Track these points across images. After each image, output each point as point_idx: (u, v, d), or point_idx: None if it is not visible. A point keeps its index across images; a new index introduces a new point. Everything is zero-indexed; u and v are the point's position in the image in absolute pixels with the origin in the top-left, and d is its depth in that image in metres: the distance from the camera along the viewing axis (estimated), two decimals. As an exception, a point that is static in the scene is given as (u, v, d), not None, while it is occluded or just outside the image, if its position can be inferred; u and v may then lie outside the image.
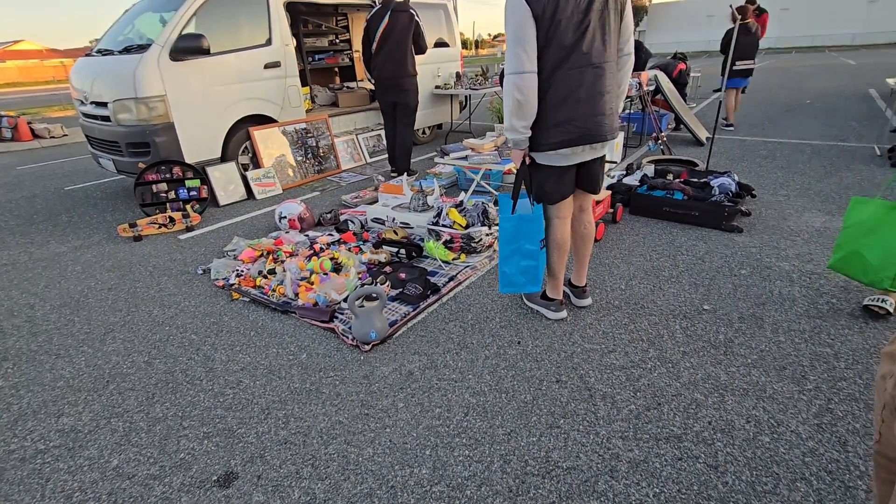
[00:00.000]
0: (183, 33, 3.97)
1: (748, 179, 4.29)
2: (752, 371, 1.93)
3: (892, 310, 2.18)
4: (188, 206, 4.01)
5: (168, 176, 4.07)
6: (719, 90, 9.95)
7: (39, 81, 37.82)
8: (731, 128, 6.73)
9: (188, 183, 4.12)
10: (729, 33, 6.81)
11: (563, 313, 2.36)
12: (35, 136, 9.20)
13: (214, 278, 2.95)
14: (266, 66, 4.63)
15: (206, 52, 4.01)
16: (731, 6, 6.91)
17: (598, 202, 3.29)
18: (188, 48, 3.92)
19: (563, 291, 2.43)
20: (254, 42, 4.53)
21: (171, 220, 3.81)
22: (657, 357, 2.05)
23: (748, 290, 2.52)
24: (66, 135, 9.44)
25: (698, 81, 9.50)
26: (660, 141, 5.40)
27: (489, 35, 78.85)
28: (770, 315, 2.29)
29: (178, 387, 2.02)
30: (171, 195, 4.04)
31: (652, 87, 5.92)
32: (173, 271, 3.13)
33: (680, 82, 6.61)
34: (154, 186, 4.01)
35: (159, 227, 3.78)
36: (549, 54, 1.85)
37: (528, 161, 2.08)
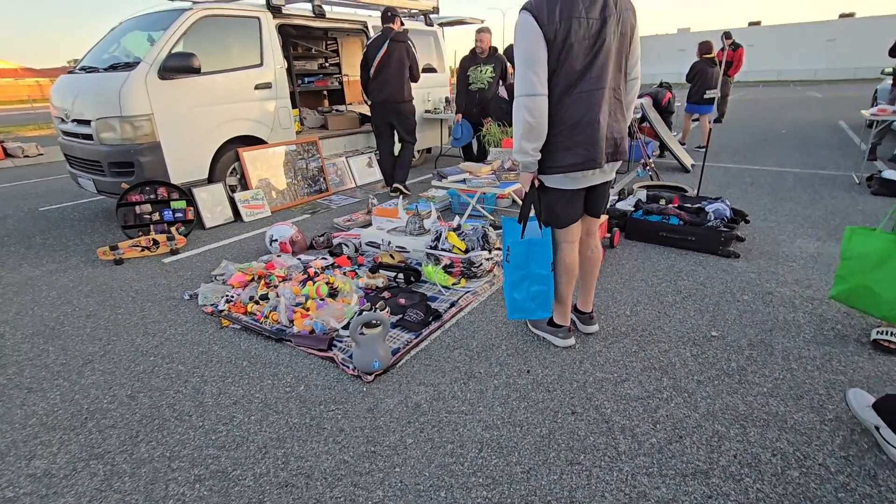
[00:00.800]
0: (173, 52, 3.89)
1: (738, 205, 4.37)
2: (770, 400, 1.88)
3: None
4: (173, 229, 3.85)
5: (153, 197, 3.92)
6: (696, 119, 10.32)
7: (14, 101, 36.92)
8: (703, 148, 7.02)
9: (174, 204, 3.98)
10: (695, 66, 7.11)
11: (572, 340, 2.29)
12: (7, 155, 8.88)
13: (202, 304, 2.80)
14: (257, 87, 4.57)
15: (197, 72, 3.93)
16: (703, 42, 7.24)
17: (596, 226, 3.27)
18: (178, 67, 3.84)
19: (570, 318, 2.37)
20: (245, 63, 4.48)
21: (155, 242, 3.65)
22: (672, 386, 1.99)
23: (753, 316, 2.50)
24: (42, 154, 9.14)
25: (678, 111, 9.80)
26: (648, 167, 5.49)
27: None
28: (779, 342, 2.27)
29: (165, 423, 1.86)
30: (156, 217, 3.88)
31: (638, 115, 6.07)
32: (158, 297, 2.96)
33: (667, 111, 6.81)
34: (137, 207, 3.85)
35: (142, 250, 3.61)
36: (560, 77, 1.83)
37: (536, 184, 2.04)
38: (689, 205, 3.76)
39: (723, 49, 8.63)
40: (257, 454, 1.70)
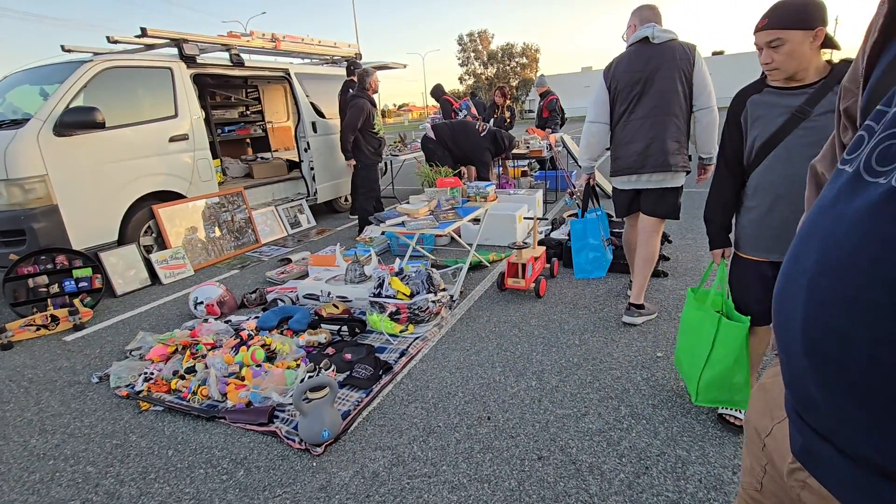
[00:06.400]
0: (71, 106, 3.55)
1: (658, 226, 4.69)
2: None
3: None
4: (76, 301, 3.40)
5: (50, 266, 3.45)
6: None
7: None
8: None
9: (76, 272, 3.53)
10: None
11: (639, 320, 2.78)
12: None
13: (115, 387, 2.44)
14: (172, 140, 4.28)
15: (101, 126, 3.60)
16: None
17: (535, 258, 3.34)
18: (78, 122, 3.50)
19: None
20: (157, 115, 4.20)
21: (54, 319, 3.18)
22: (630, 414, 1.99)
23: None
24: None
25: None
26: (574, 195, 5.79)
27: (395, 105, 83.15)
28: (718, 355, 2.38)
29: (69, 545, 1.55)
30: (55, 289, 3.41)
31: (560, 148, 6.44)
32: (58, 383, 2.55)
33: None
34: (31, 280, 3.36)
35: (37, 329, 3.13)
36: (616, 112, 2.64)
37: (591, 183, 3.13)
38: (618, 230, 3.97)
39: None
40: (191, 565, 1.44)
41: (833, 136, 0.65)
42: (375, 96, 5.13)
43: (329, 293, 3.27)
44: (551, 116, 7.67)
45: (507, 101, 7.23)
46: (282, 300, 3.33)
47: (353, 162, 5.00)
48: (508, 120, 7.20)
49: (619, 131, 2.64)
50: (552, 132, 7.19)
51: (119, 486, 1.79)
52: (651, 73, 2.46)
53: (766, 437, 0.64)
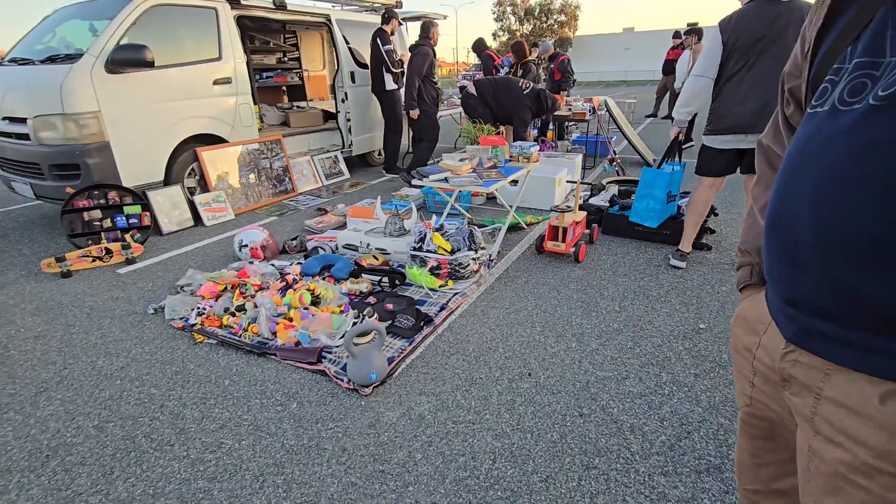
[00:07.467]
0: (121, 43, 3.56)
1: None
2: (765, 390, 1.93)
3: None
4: (128, 236, 3.54)
5: (102, 202, 3.58)
6: (651, 115, 10.68)
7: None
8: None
9: (127, 209, 3.66)
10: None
11: (683, 264, 3.06)
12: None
13: (170, 318, 2.57)
14: (216, 83, 4.28)
15: (150, 65, 3.62)
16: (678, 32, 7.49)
17: (576, 223, 3.30)
18: (128, 60, 3.52)
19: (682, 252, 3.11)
20: (202, 56, 4.18)
21: (108, 251, 3.33)
22: (671, 381, 2.01)
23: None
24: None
25: (633, 107, 10.16)
26: (614, 163, 5.62)
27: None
28: (763, 331, 2.35)
29: (143, 456, 1.68)
30: (107, 223, 3.55)
31: (602, 112, 6.20)
32: (117, 312, 2.70)
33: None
34: (85, 214, 3.50)
35: (93, 261, 3.29)
36: (728, 68, 2.55)
37: (681, 137, 3.01)
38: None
39: (675, 48, 8.97)
40: (254, 483, 1.56)
41: (776, 112, 0.82)
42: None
43: (368, 245, 3.32)
44: (564, 77, 7.35)
45: (528, 59, 6.75)
46: (322, 248, 3.39)
47: (416, 112, 5.11)
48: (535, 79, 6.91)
49: (731, 89, 2.57)
50: (567, 94, 6.92)
51: (182, 409, 1.92)
52: (778, 33, 2.39)
53: (756, 349, 0.76)
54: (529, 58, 6.65)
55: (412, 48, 5.28)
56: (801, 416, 0.67)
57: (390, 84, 5.40)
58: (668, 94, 9.95)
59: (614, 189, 4.36)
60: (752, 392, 0.80)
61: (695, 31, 6.92)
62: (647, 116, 10.96)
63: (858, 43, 0.59)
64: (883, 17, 0.57)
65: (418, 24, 6.15)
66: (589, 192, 4.48)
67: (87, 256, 3.27)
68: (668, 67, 9.44)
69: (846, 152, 0.56)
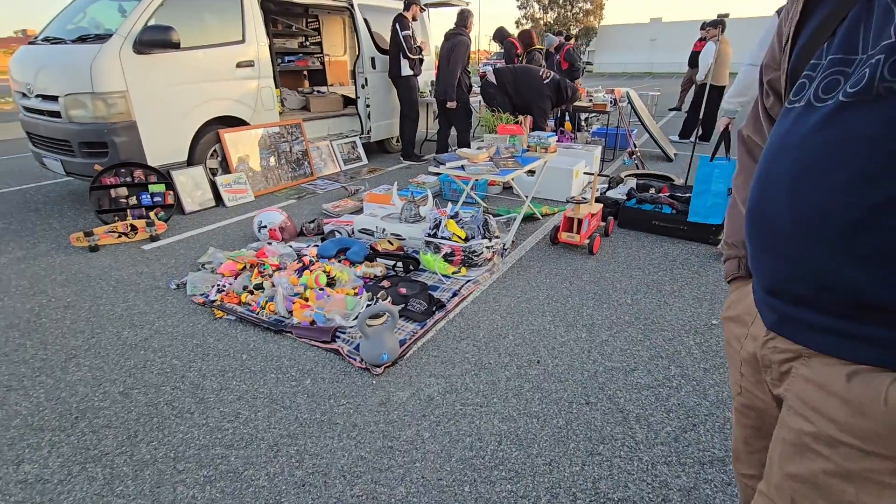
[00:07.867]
0: (149, 24, 3.63)
1: (722, 195, 4.47)
2: (775, 387, 1.93)
3: None
4: (152, 214, 3.64)
5: (129, 180, 3.69)
6: (675, 109, 10.45)
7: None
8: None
9: (152, 188, 3.76)
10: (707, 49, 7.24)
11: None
12: (-45, 131, 8.21)
13: (191, 294, 2.66)
14: (239, 66, 4.34)
15: (176, 47, 3.69)
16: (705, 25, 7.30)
17: (592, 215, 3.29)
18: (155, 41, 3.59)
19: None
20: (226, 39, 4.24)
21: (133, 228, 3.44)
22: (680, 374, 2.02)
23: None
24: (-7, 131, 8.49)
25: (656, 100, 9.97)
26: (634, 156, 5.55)
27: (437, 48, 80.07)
28: (776, 329, 2.34)
29: (164, 422, 1.77)
30: (133, 201, 3.66)
31: (624, 104, 6.11)
32: (141, 286, 2.80)
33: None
34: (112, 191, 3.62)
35: (119, 236, 3.40)
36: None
37: (729, 128, 3.00)
38: (679, 194, 3.82)
39: (701, 40, 8.73)
40: (269, 452, 1.63)
41: (755, 104, 0.85)
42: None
43: (384, 230, 3.37)
44: (572, 66, 7.19)
45: (534, 48, 6.62)
46: (339, 232, 3.45)
47: (454, 104, 5.19)
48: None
49: None
50: (580, 84, 6.81)
51: (202, 379, 2.00)
52: None
53: (745, 339, 0.79)
54: (537, 46, 6.58)
55: (448, 35, 5.26)
56: (777, 397, 0.70)
57: (406, 70, 5.42)
58: (692, 87, 9.71)
59: (632, 182, 4.32)
60: (741, 381, 0.83)
61: (717, 23, 6.74)
62: (671, 110, 10.74)
63: (834, 38, 0.60)
64: (857, 13, 0.58)
65: (440, 10, 6.13)
66: (606, 185, 4.45)
67: (114, 232, 3.39)
68: (695, 59, 9.20)
69: (822, 145, 0.59)
